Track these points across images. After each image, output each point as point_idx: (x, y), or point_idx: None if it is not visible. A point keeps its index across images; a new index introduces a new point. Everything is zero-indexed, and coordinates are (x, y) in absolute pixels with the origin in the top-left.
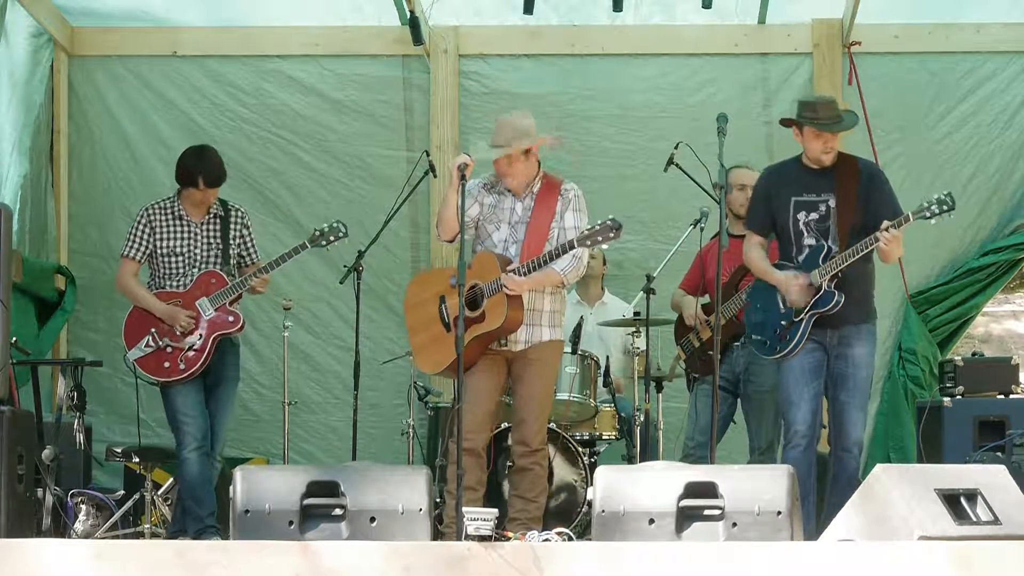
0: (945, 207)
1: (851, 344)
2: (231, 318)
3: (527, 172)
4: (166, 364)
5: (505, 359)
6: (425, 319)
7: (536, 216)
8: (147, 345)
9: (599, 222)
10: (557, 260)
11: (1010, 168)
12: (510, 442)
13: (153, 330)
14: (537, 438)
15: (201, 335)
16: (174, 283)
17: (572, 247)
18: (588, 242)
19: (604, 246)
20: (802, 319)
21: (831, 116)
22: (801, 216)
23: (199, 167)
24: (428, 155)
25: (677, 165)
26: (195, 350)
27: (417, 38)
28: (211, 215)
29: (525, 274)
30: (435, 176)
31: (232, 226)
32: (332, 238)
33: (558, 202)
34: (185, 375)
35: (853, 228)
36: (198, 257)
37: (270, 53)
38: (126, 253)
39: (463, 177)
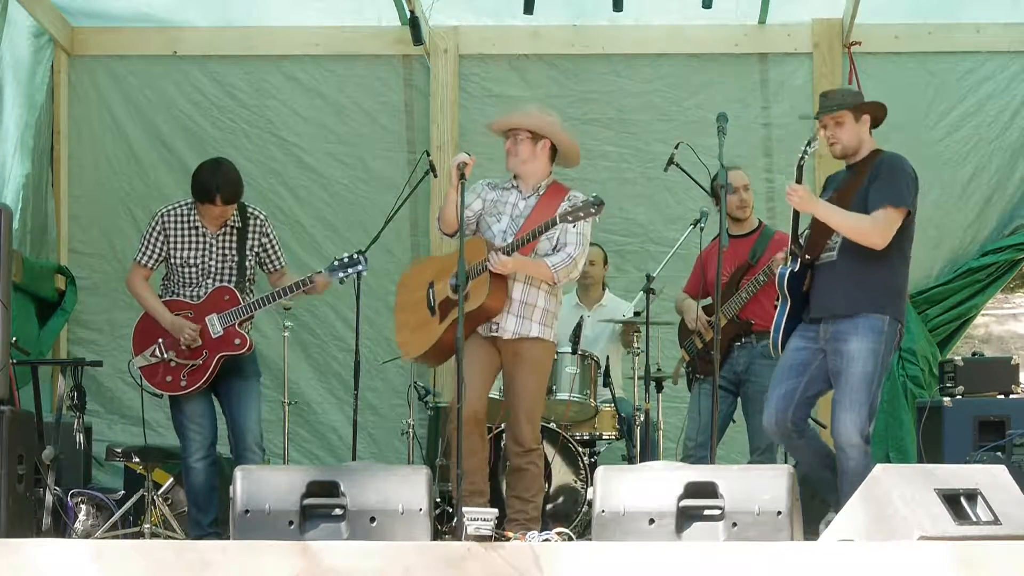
0: (592, 209)
1: (846, 339)
2: (237, 340)
3: (535, 163)
4: (168, 378)
5: (496, 347)
6: (412, 301)
7: (537, 212)
8: (152, 355)
9: (581, 199)
10: (550, 255)
11: (1010, 168)
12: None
13: (160, 340)
14: (530, 438)
15: (205, 353)
16: (187, 292)
17: (554, 223)
18: (570, 218)
19: (586, 222)
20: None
21: (822, 106)
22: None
23: (216, 184)
24: (428, 155)
25: (677, 165)
26: (198, 368)
27: (417, 38)
28: (228, 227)
29: (509, 253)
30: (435, 176)
31: (250, 237)
32: (350, 270)
33: (563, 205)
34: (186, 391)
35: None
36: (212, 269)
37: (270, 53)
38: (138, 259)
39: (463, 176)
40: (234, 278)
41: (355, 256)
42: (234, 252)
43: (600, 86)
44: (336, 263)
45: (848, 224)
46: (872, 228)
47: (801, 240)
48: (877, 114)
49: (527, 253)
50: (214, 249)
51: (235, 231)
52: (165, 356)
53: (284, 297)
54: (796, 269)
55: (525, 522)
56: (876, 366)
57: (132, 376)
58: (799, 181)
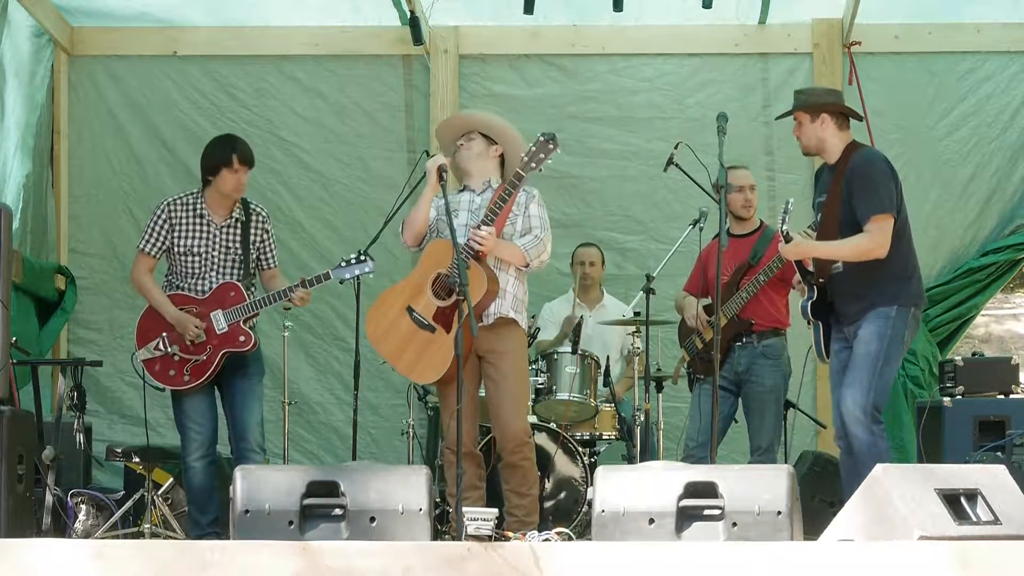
0: (550, 145)
1: (858, 331)
2: (242, 337)
3: (486, 161)
4: (171, 372)
5: (476, 355)
6: (401, 337)
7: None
8: (156, 348)
9: (532, 144)
10: (522, 237)
11: (1010, 168)
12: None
13: (164, 334)
14: (521, 432)
15: (210, 348)
16: (191, 284)
17: (519, 177)
18: (533, 164)
19: (549, 161)
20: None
21: (793, 105)
22: (819, 218)
23: (232, 146)
24: (428, 155)
25: (677, 165)
26: (201, 363)
27: (417, 38)
28: (233, 218)
29: (489, 223)
30: None
31: (252, 231)
32: (357, 271)
33: (522, 195)
34: (189, 386)
35: (841, 226)
36: (216, 260)
37: (270, 53)
38: (142, 248)
39: (442, 178)
40: (238, 272)
41: (362, 255)
42: (237, 245)
43: (600, 85)
44: (343, 263)
45: (848, 253)
46: (870, 245)
47: (809, 267)
48: (841, 112)
49: (498, 233)
50: (218, 240)
51: (239, 223)
52: (169, 350)
53: (281, 299)
54: (815, 297)
55: (523, 516)
56: (880, 347)
57: (135, 369)
58: (788, 238)
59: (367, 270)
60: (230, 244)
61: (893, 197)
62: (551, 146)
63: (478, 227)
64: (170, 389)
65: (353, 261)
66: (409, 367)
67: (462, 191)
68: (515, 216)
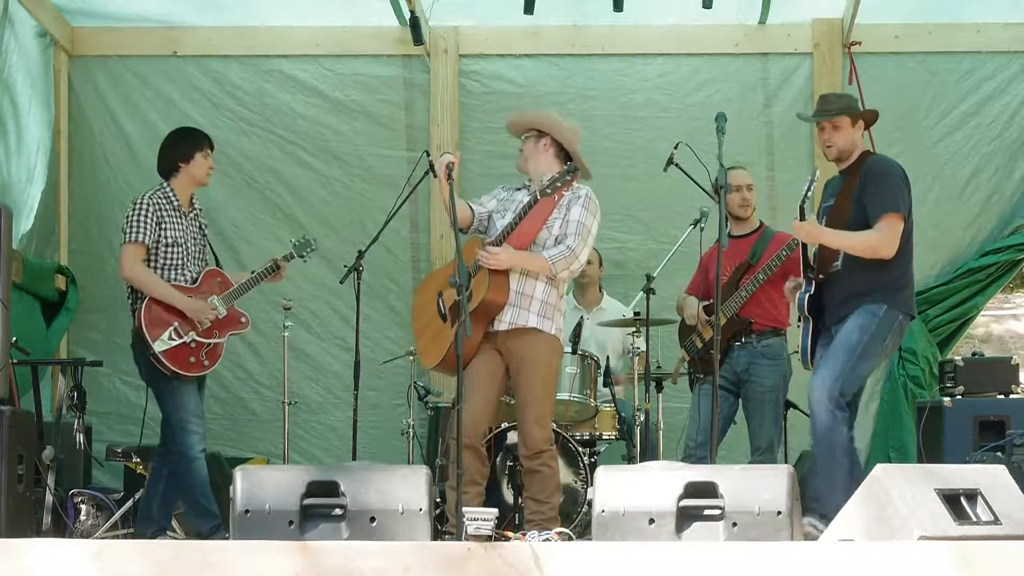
0: (568, 176)
1: (845, 321)
2: (243, 319)
3: (536, 160)
4: (191, 359)
5: (499, 353)
6: (427, 317)
7: (539, 205)
8: (170, 338)
9: (556, 171)
10: (549, 248)
11: (1010, 168)
12: (513, 442)
13: (176, 323)
14: (539, 440)
15: (217, 333)
16: (175, 275)
17: (535, 200)
18: (548, 190)
19: (586, 211)
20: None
21: (821, 109)
22: (823, 222)
23: (201, 134)
24: (428, 155)
25: (677, 165)
26: (213, 347)
27: (417, 38)
28: (196, 209)
29: (500, 243)
30: (435, 176)
31: (201, 221)
32: (307, 251)
33: (566, 196)
34: (207, 371)
35: (847, 225)
36: (191, 250)
37: (270, 53)
38: (134, 238)
39: (450, 176)
40: (210, 258)
41: (305, 238)
42: (203, 233)
43: (601, 83)
44: (297, 244)
45: (855, 244)
46: (879, 242)
47: (811, 262)
48: (871, 119)
49: (525, 245)
50: (191, 230)
51: (198, 213)
52: (185, 338)
53: (266, 278)
54: (812, 291)
55: (542, 522)
56: (861, 339)
57: (159, 361)
58: (803, 218)
59: (312, 248)
60: (197, 233)
61: (906, 201)
62: (569, 177)
63: (490, 244)
64: (175, 379)
65: (302, 242)
66: (422, 347)
67: (522, 188)
68: (554, 220)
